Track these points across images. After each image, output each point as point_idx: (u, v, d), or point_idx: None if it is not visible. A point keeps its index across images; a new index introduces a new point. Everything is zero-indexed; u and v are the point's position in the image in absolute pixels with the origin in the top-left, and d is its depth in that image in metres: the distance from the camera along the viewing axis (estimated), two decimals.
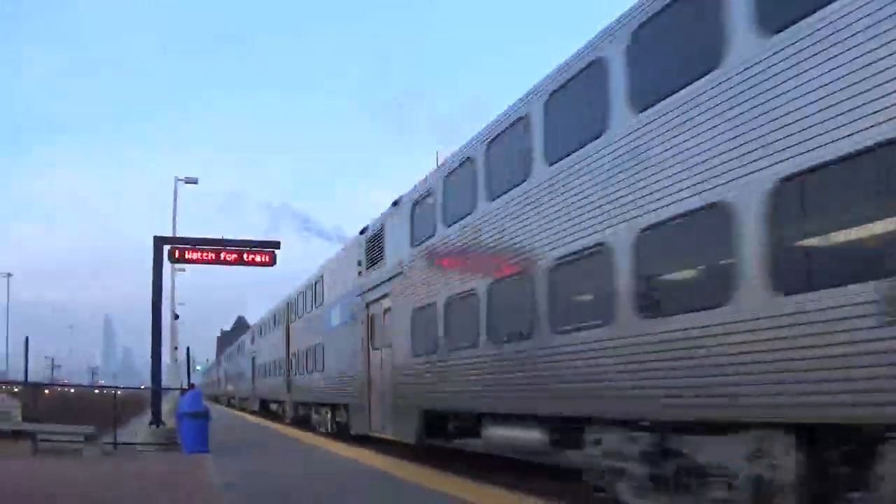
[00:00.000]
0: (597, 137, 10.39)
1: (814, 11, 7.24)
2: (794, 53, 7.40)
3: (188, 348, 39.55)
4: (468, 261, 14.55)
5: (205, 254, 22.11)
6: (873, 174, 6.70)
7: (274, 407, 39.95)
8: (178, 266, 38.26)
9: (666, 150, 9.00)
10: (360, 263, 22.04)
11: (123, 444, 20.76)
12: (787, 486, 7.58)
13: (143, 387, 48.32)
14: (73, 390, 45.10)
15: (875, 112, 6.50)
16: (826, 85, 7.00)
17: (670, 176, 8.87)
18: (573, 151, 10.95)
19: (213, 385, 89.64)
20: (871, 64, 6.61)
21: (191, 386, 24.78)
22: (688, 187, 8.58)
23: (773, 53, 7.63)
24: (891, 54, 6.44)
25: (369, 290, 20.74)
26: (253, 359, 47.69)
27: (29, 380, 31.46)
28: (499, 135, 13.58)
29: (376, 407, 19.72)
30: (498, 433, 13.60)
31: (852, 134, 6.68)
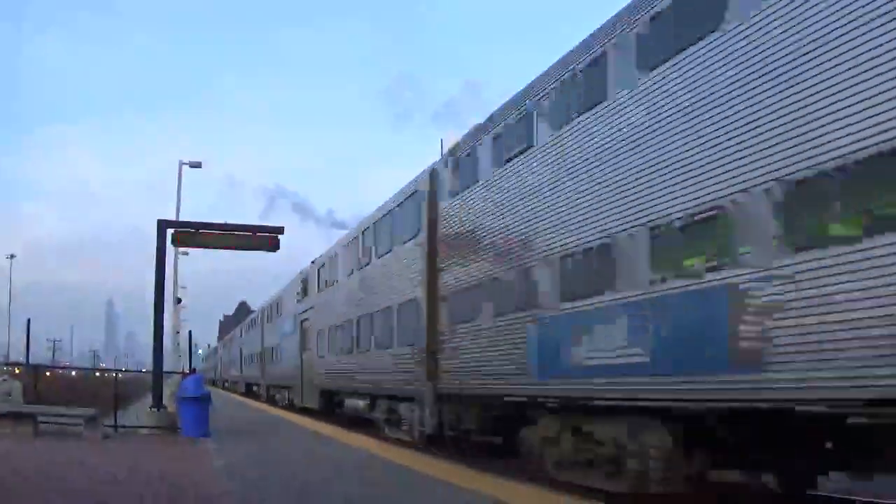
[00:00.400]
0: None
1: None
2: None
3: (190, 332, 39.66)
4: (343, 305, 26.64)
5: (209, 237, 22.09)
6: None
7: (255, 388, 50.17)
8: (181, 250, 38.25)
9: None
10: (298, 293, 35.47)
11: (124, 426, 20.78)
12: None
13: (144, 370, 48.43)
14: (74, 373, 45.13)
15: None
16: None
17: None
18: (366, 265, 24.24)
19: (212, 370, 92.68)
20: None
21: (192, 370, 24.79)
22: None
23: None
24: None
25: (301, 312, 34.05)
26: (240, 350, 57.88)
27: (30, 362, 31.54)
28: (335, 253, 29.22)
29: (304, 388, 32.12)
30: (349, 403, 25.54)
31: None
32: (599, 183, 11.54)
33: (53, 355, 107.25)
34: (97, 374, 44.31)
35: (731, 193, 8.86)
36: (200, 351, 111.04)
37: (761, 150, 8.48)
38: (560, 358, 12.12)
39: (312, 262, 32.43)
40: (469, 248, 16.05)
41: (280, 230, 22.49)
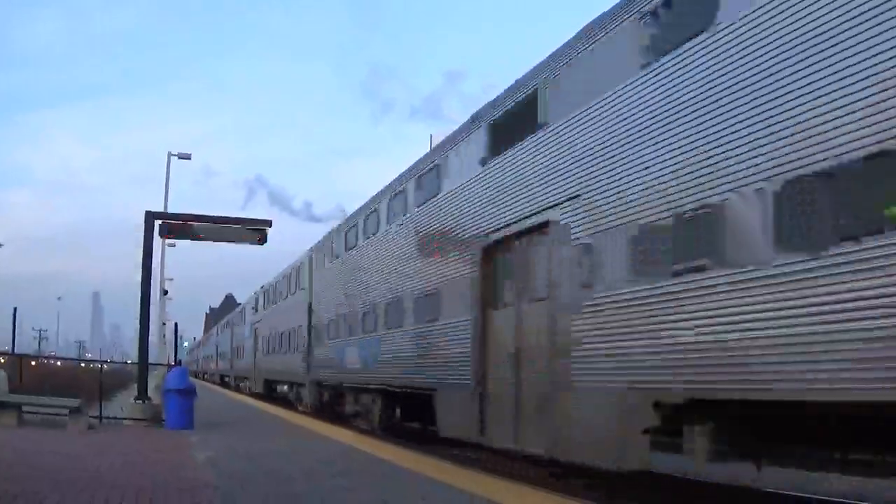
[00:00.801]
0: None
1: None
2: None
3: (176, 324, 39.59)
4: (272, 322, 38.19)
5: (197, 229, 22.08)
6: None
7: (226, 379, 60.28)
8: (168, 242, 38.22)
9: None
10: (253, 307, 47.25)
11: (108, 418, 20.77)
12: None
13: (129, 362, 48.35)
14: (59, 363, 45.02)
15: None
16: None
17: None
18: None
19: (195, 363, 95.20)
20: None
21: (177, 362, 24.77)
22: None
23: None
24: None
25: (254, 322, 45.07)
26: (216, 346, 70.01)
27: (16, 352, 31.43)
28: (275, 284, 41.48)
29: (255, 378, 42.75)
30: (279, 388, 36.34)
31: None
32: (362, 279, 22.77)
33: (39, 345, 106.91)
34: (82, 364, 44.21)
35: (442, 281, 16.41)
36: (186, 343, 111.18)
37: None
38: (346, 362, 23.42)
39: (262, 287, 44.62)
40: (326, 300, 27.24)
41: (268, 223, 22.51)
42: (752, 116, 8.40)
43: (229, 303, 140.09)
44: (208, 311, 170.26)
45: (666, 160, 9.71)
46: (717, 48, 9.02)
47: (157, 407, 20.87)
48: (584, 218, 11.34)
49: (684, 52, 9.55)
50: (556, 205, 12.11)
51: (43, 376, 27.44)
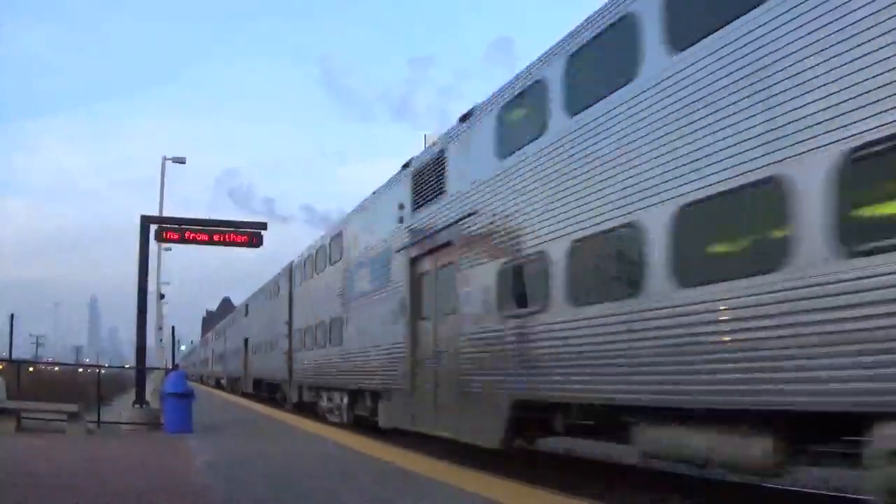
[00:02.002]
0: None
1: None
2: None
3: (173, 328, 39.57)
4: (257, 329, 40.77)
5: (192, 234, 22.12)
6: None
7: (222, 381, 61.85)
8: (164, 245, 38.24)
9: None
10: (241, 315, 50.12)
11: (107, 422, 20.80)
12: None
13: (127, 366, 48.32)
14: (57, 368, 45.04)
15: None
16: None
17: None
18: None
19: (191, 367, 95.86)
20: None
21: (175, 366, 24.79)
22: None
23: None
24: None
25: (245, 328, 45.87)
26: (212, 350, 71.82)
27: (13, 357, 31.46)
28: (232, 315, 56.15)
29: (245, 379, 44.25)
30: (264, 386, 38.30)
31: None
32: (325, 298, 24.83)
33: (37, 351, 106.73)
34: (80, 369, 44.23)
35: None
36: (184, 347, 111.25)
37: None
38: (319, 368, 25.16)
39: (245, 301, 49.72)
40: (298, 313, 30.12)
41: (263, 226, 22.57)
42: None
43: (226, 306, 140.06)
44: (205, 315, 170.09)
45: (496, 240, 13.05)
46: None
47: (155, 411, 20.89)
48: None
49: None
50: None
51: (41, 382, 27.54)
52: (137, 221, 21.55)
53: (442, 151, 15.50)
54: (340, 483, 11.06)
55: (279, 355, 32.35)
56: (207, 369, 78.47)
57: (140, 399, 21.26)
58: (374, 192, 20.13)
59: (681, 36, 8.98)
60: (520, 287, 12.30)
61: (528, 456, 14.64)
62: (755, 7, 7.86)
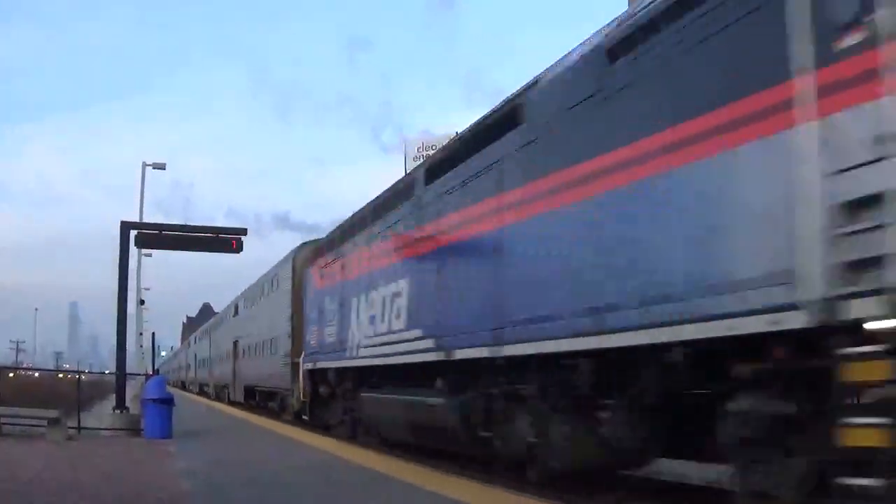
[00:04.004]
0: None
1: None
2: None
3: (153, 334, 39.45)
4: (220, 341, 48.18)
5: (172, 239, 22.15)
6: None
7: (190, 386, 69.01)
8: (144, 251, 38.20)
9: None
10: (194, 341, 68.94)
11: (87, 428, 20.77)
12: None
13: (107, 372, 48.22)
14: (37, 374, 44.85)
15: None
16: None
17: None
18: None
19: (169, 373, 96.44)
20: None
21: (155, 372, 24.78)
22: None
23: None
24: None
25: (210, 340, 53.22)
26: (195, 355, 71.24)
27: None
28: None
29: (210, 383, 51.33)
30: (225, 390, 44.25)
31: None
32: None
33: (17, 356, 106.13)
34: (60, 375, 44.07)
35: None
36: (164, 353, 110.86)
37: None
38: (255, 373, 33.50)
39: (213, 317, 64.08)
40: (248, 332, 36.17)
41: (243, 232, 22.61)
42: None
43: (206, 312, 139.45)
44: (185, 321, 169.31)
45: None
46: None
47: (135, 417, 20.89)
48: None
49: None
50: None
51: (21, 388, 27.42)
52: (117, 227, 21.58)
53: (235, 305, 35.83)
54: (322, 490, 11.14)
55: (230, 363, 40.82)
56: (182, 375, 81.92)
57: (120, 404, 21.26)
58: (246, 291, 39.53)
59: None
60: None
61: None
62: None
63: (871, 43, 5.58)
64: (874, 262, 5.46)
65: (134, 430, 20.11)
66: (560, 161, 9.29)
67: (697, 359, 7.28)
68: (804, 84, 6.04)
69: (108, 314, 23.77)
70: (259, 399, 32.39)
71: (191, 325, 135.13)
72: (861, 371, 5.68)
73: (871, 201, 5.48)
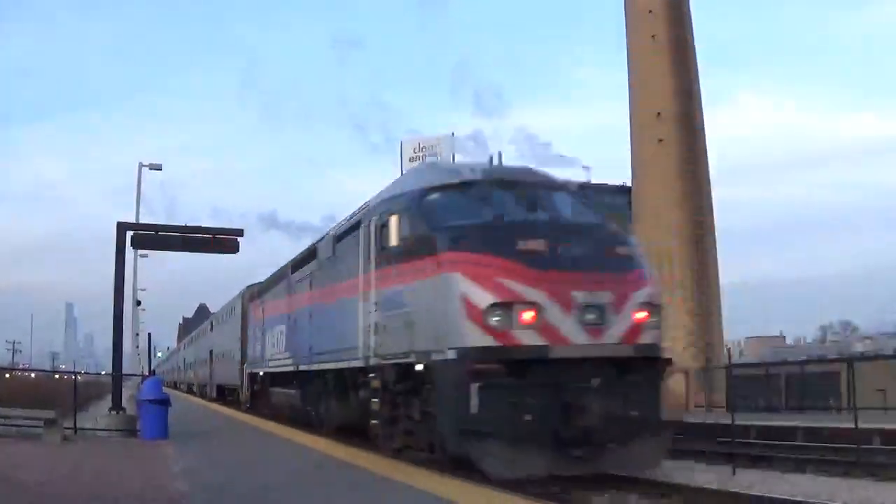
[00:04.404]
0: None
1: None
2: None
3: (149, 335, 39.44)
4: (198, 351, 57.18)
5: (169, 239, 22.19)
6: None
7: (180, 385, 73.07)
8: (140, 252, 38.21)
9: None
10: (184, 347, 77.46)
11: (83, 429, 20.79)
12: None
13: (104, 372, 48.23)
14: (33, 375, 44.80)
15: None
16: None
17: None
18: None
19: (165, 374, 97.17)
20: None
21: (151, 372, 24.80)
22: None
23: None
24: None
25: (192, 349, 63.25)
26: (184, 359, 77.46)
27: None
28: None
29: (193, 383, 58.65)
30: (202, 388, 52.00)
31: None
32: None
33: (13, 357, 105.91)
34: (56, 376, 44.04)
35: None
36: (160, 354, 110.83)
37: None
38: (218, 374, 42.83)
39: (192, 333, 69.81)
40: (218, 345, 43.32)
41: (240, 232, 22.65)
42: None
43: (202, 312, 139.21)
44: (182, 321, 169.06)
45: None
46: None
47: (131, 417, 20.91)
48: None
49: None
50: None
51: (17, 388, 27.39)
52: (114, 228, 21.60)
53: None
54: (318, 490, 11.18)
55: (207, 367, 48.19)
56: (174, 376, 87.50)
57: (116, 405, 21.28)
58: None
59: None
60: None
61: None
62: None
63: (387, 260, 14.41)
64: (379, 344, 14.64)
65: (130, 430, 20.14)
66: (324, 281, 19.08)
67: (355, 375, 16.17)
68: (366, 274, 15.44)
69: (104, 315, 23.81)
70: (227, 394, 40.05)
71: (187, 326, 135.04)
72: (375, 382, 14.62)
73: (375, 325, 14.65)
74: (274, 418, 25.51)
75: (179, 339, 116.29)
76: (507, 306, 11.73)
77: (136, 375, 35.02)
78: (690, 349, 36.38)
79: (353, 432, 17.08)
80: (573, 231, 13.20)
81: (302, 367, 20.76)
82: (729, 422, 17.33)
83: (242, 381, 32.74)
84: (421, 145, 67.35)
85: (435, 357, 12.31)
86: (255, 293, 31.13)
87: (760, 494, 11.77)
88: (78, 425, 20.86)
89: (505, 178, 14.30)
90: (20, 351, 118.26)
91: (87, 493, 10.30)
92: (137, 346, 51.01)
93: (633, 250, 13.22)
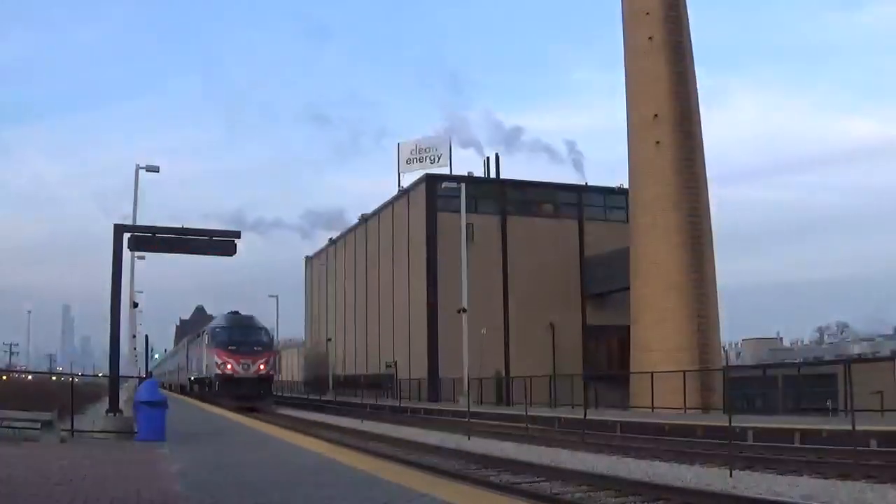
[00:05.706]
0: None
1: None
2: None
3: (146, 337, 39.52)
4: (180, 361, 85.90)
5: (166, 241, 22.14)
6: None
7: (172, 387, 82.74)
8: (137, 254, 38.17)
9: None
10: (176, 351, 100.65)
11: (81, 431, 20.75)
12: None
13: (101, 374, 48.23)
14: (30, 377, 44.76)
15: None
16: None
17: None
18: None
19: (161, 376, 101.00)
20: None
21: (148, 374, 24.80)
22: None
23: None
24: None
25: (177, 358, 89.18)
26: (177, 365, 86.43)
27: None
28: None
29: (181, 383, 72.35)
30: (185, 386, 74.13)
31: None
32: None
33: (10, 359, 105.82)
34: (54, 378, 44.02)
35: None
36: (157, 356, 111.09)
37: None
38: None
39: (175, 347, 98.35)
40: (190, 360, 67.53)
41: (237, 234, 22.59)
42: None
43: (200, 314, 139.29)
44: (178, 323, 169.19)
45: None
46: None
47: (128, 419, 20.88)
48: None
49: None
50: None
51: (14, 390, 27.35)
52: (111, 230, 21.54)
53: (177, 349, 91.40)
54: (315, 492, 11.17)
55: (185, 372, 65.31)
56: (170, 378, 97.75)
57: (113, 407, 21.25)
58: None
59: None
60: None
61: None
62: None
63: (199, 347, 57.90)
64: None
65: (127, 432, 20.10)
66: (190, 350, 62.86)
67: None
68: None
69: (101, 317, 23.85)
70: (189, 388, 59.49)
71: (184, 328, 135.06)
72: (195, 384, 58.23)
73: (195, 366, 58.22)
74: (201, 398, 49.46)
75: (177, 340, 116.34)
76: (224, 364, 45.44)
77: (133, 377, 35.01)
78: (687, 351, 36.41)
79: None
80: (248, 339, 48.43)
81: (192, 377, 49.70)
82: (726, 423, 17.37)
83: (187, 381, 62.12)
84: (418, 147, 67.59)
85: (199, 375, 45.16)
86: (183, 345, 60.12)
87: (758, 496, 11.79)
88: (75, 427, 20.81)
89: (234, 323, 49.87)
90: (17, 353, 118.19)
91: (83, 496, 10.28)
92: (135, 349, 50.98)
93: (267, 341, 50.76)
